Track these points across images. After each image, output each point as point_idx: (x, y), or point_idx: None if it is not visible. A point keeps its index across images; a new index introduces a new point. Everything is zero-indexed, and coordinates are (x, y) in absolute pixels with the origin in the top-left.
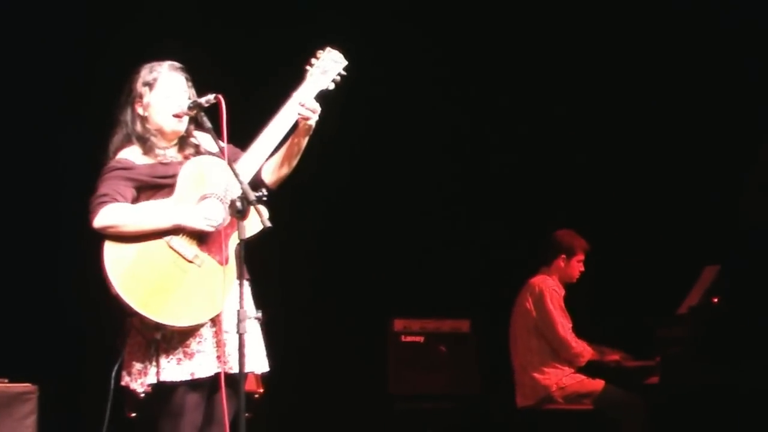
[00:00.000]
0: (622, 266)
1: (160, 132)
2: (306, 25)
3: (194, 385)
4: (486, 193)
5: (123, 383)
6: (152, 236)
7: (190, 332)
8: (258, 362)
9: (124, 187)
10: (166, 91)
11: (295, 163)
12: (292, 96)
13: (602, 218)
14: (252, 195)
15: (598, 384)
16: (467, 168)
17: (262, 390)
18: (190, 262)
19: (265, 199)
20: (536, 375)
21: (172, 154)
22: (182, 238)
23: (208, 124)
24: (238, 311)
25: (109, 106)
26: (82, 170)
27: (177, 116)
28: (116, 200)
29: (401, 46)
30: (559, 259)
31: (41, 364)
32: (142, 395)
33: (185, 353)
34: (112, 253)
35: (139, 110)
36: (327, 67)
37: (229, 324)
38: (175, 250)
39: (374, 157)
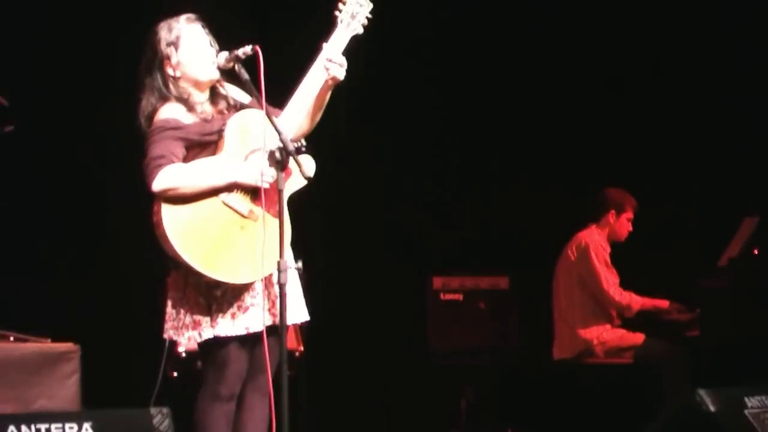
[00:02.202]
0: (662, 219)
1: (196, 85)
2: None
3: (243, 339)
4: (522, 150)
5: (166, 336)
6: (207, 195)
7: (245, 287)
8: (299, 313)
9: (177, 147)
10: (192, 45)
11: (318, 117)
12: (322, 48)
13: (641, 172)
14: (291, 145)
15: (639, 337)
16: (504, 123)
17: (302, 348)
18: (246, 217)
19: (303, 149)
20: (577, 328)
21: (207, 108)
22: (237, 195)
23: (246, 76)
24: (278, 262)
25: (132, 69)
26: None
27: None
28: (172, 162)
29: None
30: (609, 215)
31: (83, 323)
32: (184, 355)
33: (239, 307)
34: (169, 215)
35: (170, 71)
36: (355, 10)
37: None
38: (230, 207)
39: (413, 114)
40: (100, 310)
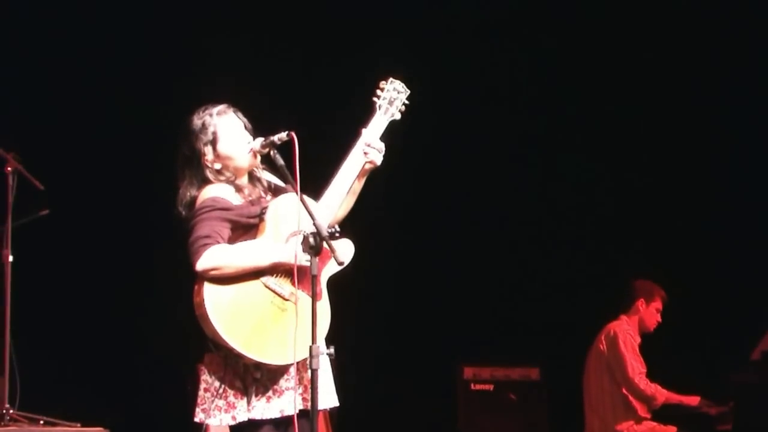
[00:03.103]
0: (695, 313)
1: (237, 171)
2: (363, 57)
3: (277, 422)
4: (555, 241)
5: (197, 419)
6: (249, 277)
7: (281, 370)
8: (329, 398)
9: (223, 228)
10: (230, 138)
11: (353, 202)
12: (361, 133)
13: (675, 265)
14: (324, 230)
15: (671, 431)
16: (536, 214)
17: None
18: (287, 299)
19: (338, 234)
20: (608, 419)
21: (251, 191)
22: (278, 277)
23: (281, 162)
24: (311, 347)
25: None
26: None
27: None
28: (218, 242)
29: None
30: (638, 303)
31: (113, 408)
32: None
33: (275, 391)
34: (212, 296)
35: (209, 165)
36: (393, 96)
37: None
38: (271, 290)
39: (444, 202)
40: (130, 394)
